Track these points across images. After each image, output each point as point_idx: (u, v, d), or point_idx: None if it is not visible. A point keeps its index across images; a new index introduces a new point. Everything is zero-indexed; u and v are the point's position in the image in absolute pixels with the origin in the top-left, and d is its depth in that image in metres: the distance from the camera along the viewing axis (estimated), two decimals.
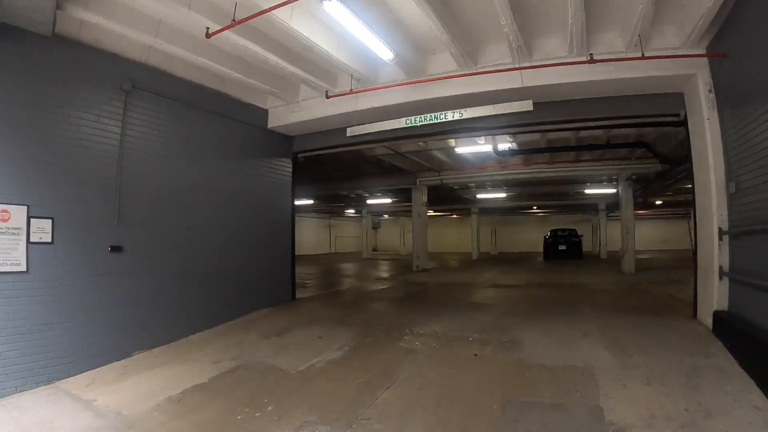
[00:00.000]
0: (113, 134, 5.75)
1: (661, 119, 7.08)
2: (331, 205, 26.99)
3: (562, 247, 23.25)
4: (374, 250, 37.90)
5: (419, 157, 13.48)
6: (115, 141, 5.78)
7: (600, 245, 24.79)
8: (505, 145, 11.67)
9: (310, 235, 33.31)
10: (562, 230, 25.48)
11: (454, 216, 34.75)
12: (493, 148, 11.37)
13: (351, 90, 6.47)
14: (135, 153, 6.00)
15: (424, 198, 16.68)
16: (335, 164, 14.10)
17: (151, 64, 6.27)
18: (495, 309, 7.64)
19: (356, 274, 15.75)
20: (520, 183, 19.30)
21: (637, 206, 23.67)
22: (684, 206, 25.23)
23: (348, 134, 6.31)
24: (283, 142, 8.61)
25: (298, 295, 9.38)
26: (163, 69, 6.43)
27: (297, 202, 25.13)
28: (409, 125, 5.82)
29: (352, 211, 31.16)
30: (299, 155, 8.80)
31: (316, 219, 34.02)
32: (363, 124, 6.24)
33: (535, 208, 28.71)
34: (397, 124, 5.95)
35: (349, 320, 6.89)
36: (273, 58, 6.18)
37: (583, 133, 11.56)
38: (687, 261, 19.61)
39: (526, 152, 12.65)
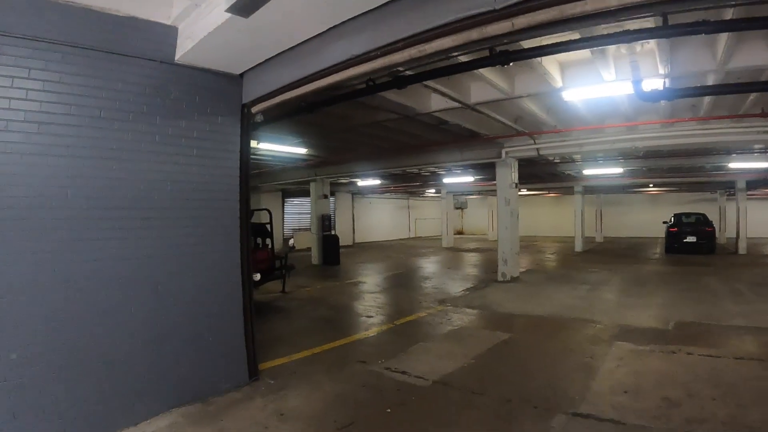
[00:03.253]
0: None
1: None
2: (403, 185, 22.78)
3: (690, 239, 17.57)
4: (460, 233, 33.34)
5: (502, 113, 8.67)
6: None
7: (737, 235, 18.20)
8: (654, 80, 6.59)
9: (384, 219, 29.54)
10: (688, 215, 19.24)
11: (550, 195, 28.72)
12: (635, 87, 6.26)
13: None
14: None
15: (514, 176, 11.76)
16: (375, 131, 9.82)
17: None
18: None
19: (416, 285, 11.45)
20: (652, 153, 13.56)
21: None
22: None
23: None
24: (219, 87, 4.49)
25: (284, 354, 5.42)
26: None
27: (361, 183, 21.59)
28: None
29: (432, 190, 26.68)
30: (253, 108, 4.63)
31: (391, 200, 30.07)
32: None
33: (651, 186, 22.43)
34: None
35: None
36: None
37: None
38: None
39: (691, 93, 7.27)
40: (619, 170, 16.13)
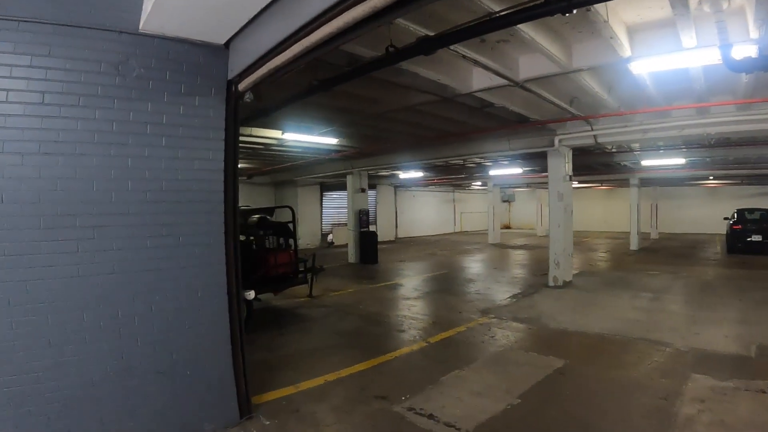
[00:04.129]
0: None
1: None
2: (447, 177, 21.55)
3: (755, 238, 15.64)
4: (507, 227, 31.70)
5: (556, 92, 7.38)
6: None
7: None
8: (742, 47, 5.19)
9: (428, 213, 28.42)
10: (751, 211, 17.16)
11: (602, 187, 26.44)
12: (723, 54, 4.90)
13: None
14: None
15: (567, 168, 10.38)
16: (410, 117, 8.78)
17: None
18: None
19: (458, 289, 10.34)
20: (720, 142, 11.86)
21: None
22: None
23: None
24: (198, 60, 3.61)
25: (291, 381, 4.57)
26: None
27: (403, 175, 20.54)
28: None
29: (478, 183, 25.22)
30: (241, 85, 3.72)
31: (435, 193, 28.85)
32: None
33: (711, 178, 20.17)
34: None
35: None
36: None
37: None
38: None
39: None
40: (681, 161, 14.33)
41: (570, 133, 9.99)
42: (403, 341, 6.32)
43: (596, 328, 6.72)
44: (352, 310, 8.20)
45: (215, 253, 3.71)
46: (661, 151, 13.88)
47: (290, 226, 8.29)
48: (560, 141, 10.13)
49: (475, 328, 6.83)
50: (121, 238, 3.31)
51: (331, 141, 10.50)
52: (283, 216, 9.03)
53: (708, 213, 24.22)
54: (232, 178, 3.75)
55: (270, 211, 8.40)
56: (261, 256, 7.67)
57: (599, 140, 9.93)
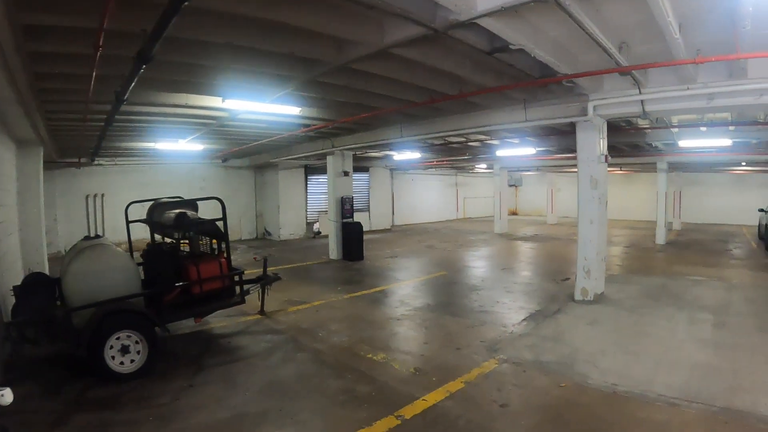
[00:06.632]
0: None
1: None
2: (449, 159, 19.06)
3: None
4: (513, 213, 29.35)
5: (606, 26, 4.89)
6: None
7: None
8: None
9: (430, 198, 26.11)
10: None
11: (619, 171, 23.83)
12: None
13: None
14: None
15: (602, 145, 7.93)
16: (389, 71, 6.33)
17: None
18: None
19: (458, 302, 7.99)
20: None
21: None
22: None
23: None
24: None
25: None
26: None
27: (398, 157, 17.89)
28: None
29: (483, 165, 22.70)
30: None
31: (436, 176, 26.42)
32: None
33: (743, 164, 18.11)
34: None
35: None
36: None
37: None
38: None
39: None
40: (727, 142, 11.80)
41: (608, 98, 7.48)
42: (364, 413, 3.98)
43: (659, 385, 4.39)
44: (309, 340, 5.91)
45: None
46: (704, 129, 11.44)
47: (220, 225, 5.94)
48: (595, 108, 7.63)
49: (478, 385, 4.49)
50: None
51: (293, 110, 8.05)
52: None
53: (733, 202, 22.81)
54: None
55: (193, 204, 6.08)
56: (175, 267, 5.38)
57: (648, 108, 7.34)
